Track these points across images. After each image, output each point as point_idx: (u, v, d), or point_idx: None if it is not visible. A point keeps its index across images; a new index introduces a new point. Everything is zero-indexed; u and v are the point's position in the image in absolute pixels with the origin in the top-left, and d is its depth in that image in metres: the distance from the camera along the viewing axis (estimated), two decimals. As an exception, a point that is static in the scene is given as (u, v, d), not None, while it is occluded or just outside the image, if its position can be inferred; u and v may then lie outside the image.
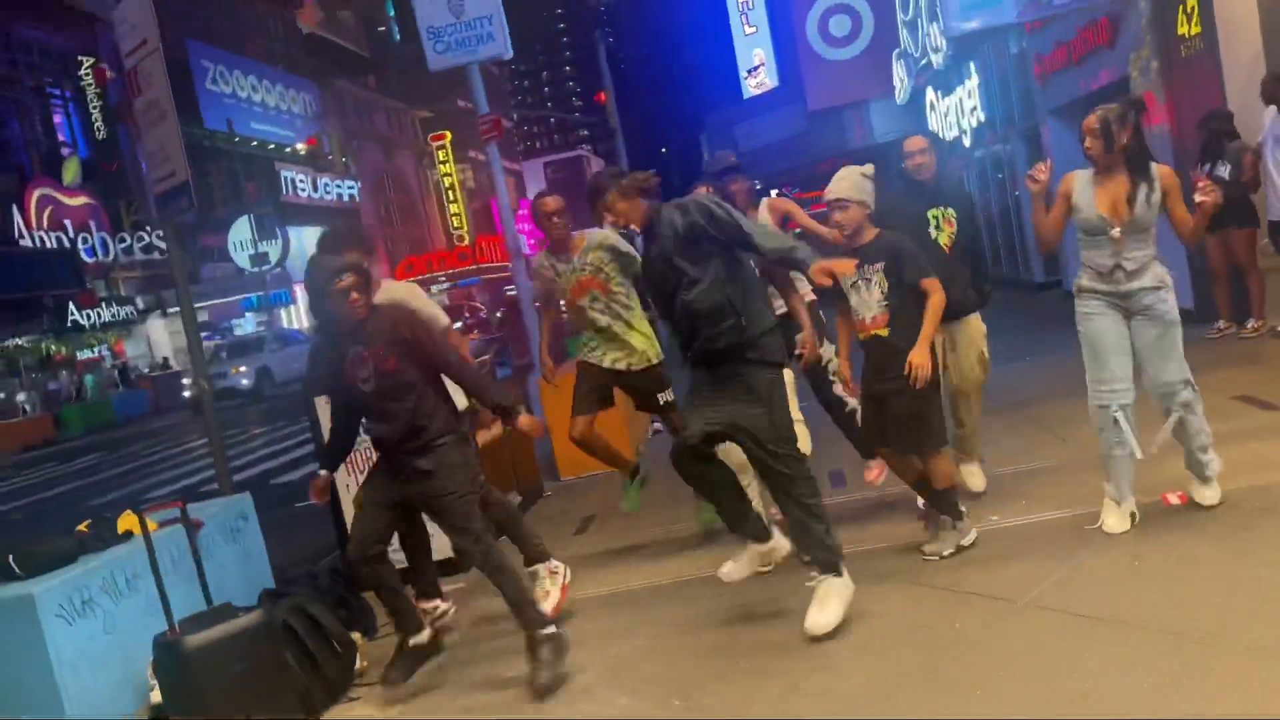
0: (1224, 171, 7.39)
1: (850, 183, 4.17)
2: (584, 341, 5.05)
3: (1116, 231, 4.00)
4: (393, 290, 4.69)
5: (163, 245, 31.96)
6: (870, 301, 4.16)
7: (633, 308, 4.92)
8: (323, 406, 5.59)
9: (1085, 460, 5.00)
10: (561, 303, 5.26)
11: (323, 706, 3.93)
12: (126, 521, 4.07)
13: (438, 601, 4.51)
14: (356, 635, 4.34)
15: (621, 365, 4.88)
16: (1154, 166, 4.05)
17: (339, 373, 3.83)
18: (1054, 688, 3.01)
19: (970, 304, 4.78)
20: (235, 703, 2.81)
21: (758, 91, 28.06)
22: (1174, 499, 4.39)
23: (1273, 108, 6.97)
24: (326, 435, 4.16)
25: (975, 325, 4.83)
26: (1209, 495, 4.23)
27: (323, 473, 4.04)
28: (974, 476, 4.98)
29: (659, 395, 4.97)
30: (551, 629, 3.78)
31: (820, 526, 3.76)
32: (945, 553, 4.23)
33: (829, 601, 3.70)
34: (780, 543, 3.95)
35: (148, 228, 31.34)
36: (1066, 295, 12.10)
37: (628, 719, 3.40)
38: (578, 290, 4.86)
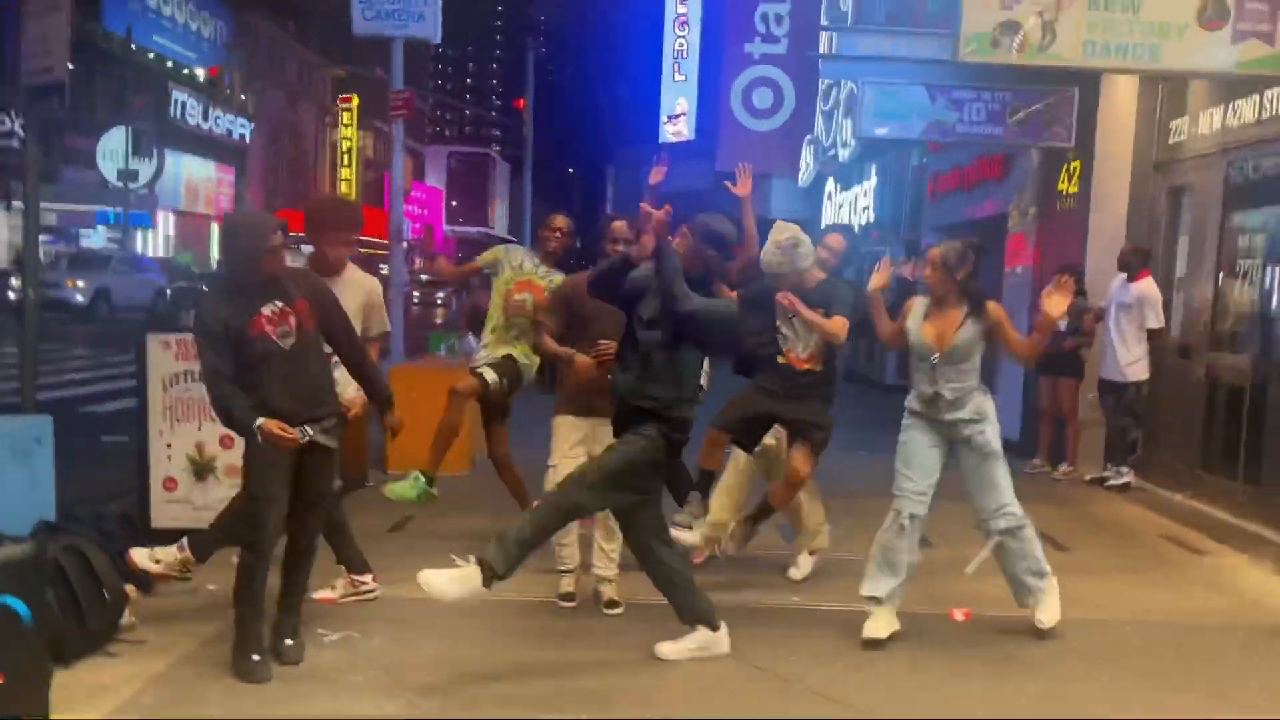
0: (1061, 325, 7.95)
1: (788, 249, 4.55)
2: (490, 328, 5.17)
3: (935, 358, 4.26)
4: (361, 279, 4.63)
5: (22, 133, 29.96)
6: (809, 340, 4.57)
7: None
8: (158, 352, 5.34)
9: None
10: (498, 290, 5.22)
11: (75, 656, 3.70)
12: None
13: (369, 577, 4.53)
14: (131, 588, 4.10)
15: (501, 353, 5.04)
16: (986, 304, 4.34)
17: (249, 324, 3.60)
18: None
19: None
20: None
21: (674, 139, 28.47)
22: (959, 615, 4.63)
23: (1123, 275, 7.54)
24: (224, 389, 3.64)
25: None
26: (1044, 617, 4.40)
27: (262, 422, 3.54)
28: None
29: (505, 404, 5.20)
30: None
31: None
32: (689, 524, 4.35)
33: None
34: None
35: (11, 113, 29.29)
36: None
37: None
38: (521, 286, 5.07)
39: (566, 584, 4.62)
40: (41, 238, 27.82)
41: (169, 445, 5.33)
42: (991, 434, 4.38)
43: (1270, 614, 4.88)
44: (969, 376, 4.33)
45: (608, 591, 4.53)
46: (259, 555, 3.70)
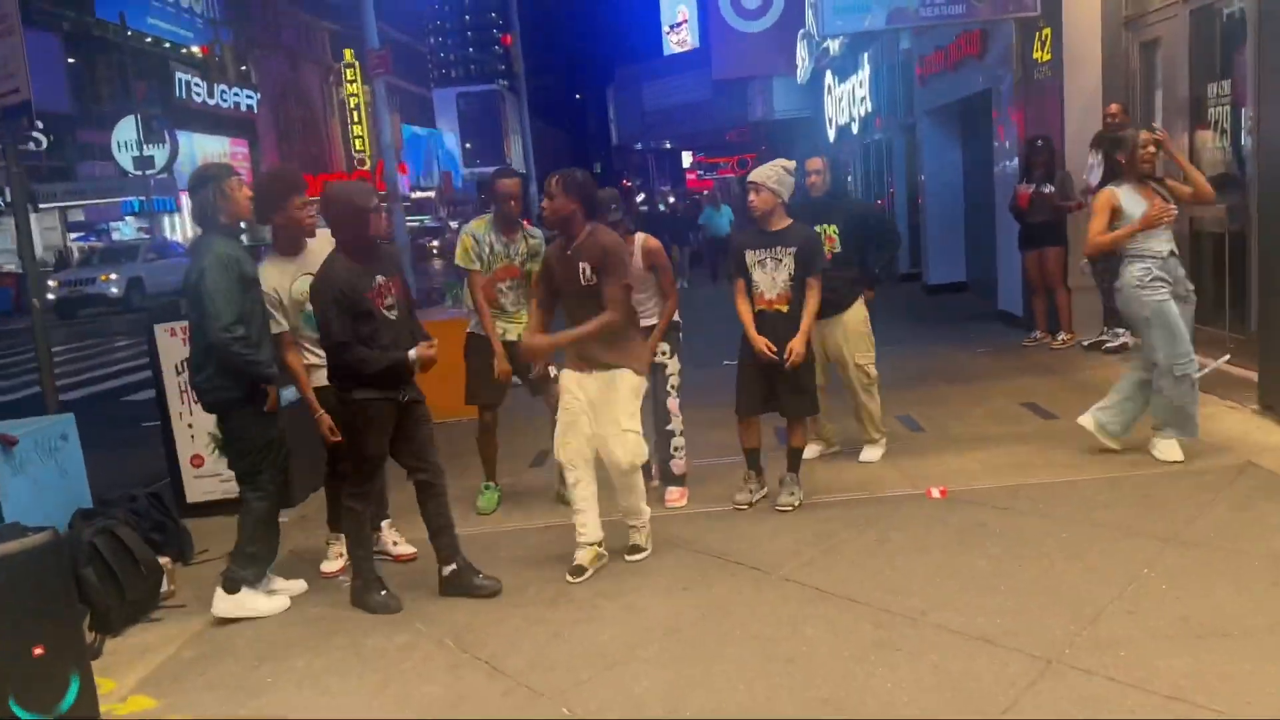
0: (1047, 190, 8.03)
1: (769, 172, 4.79)
2: (473, 314, 5.23)
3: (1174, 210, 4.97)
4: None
5: (38, 137, 30.43)
6: (777, 280, 4.77)
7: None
8: (166, 339, 5.67)
9: (893, 449, 5.64)
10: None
11: (123, 626, 4.14)
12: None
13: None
14: (165, 559, 4.51)
15: (513, 336, 5.14)
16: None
17: (366, 295, 3.91)
18: (770, 651, 3.43)
19: (844, 300, 5.34)
20: (16, 620, 3.00)
21: (679, 49, 28.12)
22: (935, 493, 4.90)
23: (1098, 154, 7.55)
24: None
25: (851, 316, 5.39)
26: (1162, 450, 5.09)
27: (420, 349, 4.02)
28: (869, 452, 5.61)
29: (549, 369, 5.16)
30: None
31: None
32: (796, 504, 4.84)
33: None
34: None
35: (25, 119, 29.72)
36: (926, 289, 12.85)
37: (405, 653, 3.71)
38: (502, 274, 5.16)
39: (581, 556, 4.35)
40: (71, 235, 28.48)
41: (190, 425, 5.73)
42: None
43: (1240, 454, 5.06)
44: None
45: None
46: (368, 503, 4.18)
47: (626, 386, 4.29)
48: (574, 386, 4.34)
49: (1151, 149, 5.06)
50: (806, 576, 4.04)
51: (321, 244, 4.50)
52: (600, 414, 4.29)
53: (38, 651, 3.01)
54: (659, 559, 4.38)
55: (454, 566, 4.19)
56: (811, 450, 5.58)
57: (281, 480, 4.25)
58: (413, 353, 4.00)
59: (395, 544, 4.80)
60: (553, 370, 5.15)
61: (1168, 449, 5.08)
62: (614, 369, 4.29)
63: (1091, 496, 4.69)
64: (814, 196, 5.46)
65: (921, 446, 5.82)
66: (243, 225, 4.41)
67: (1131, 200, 5.03)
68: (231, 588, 4.16)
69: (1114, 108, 7.62)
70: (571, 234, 4.28)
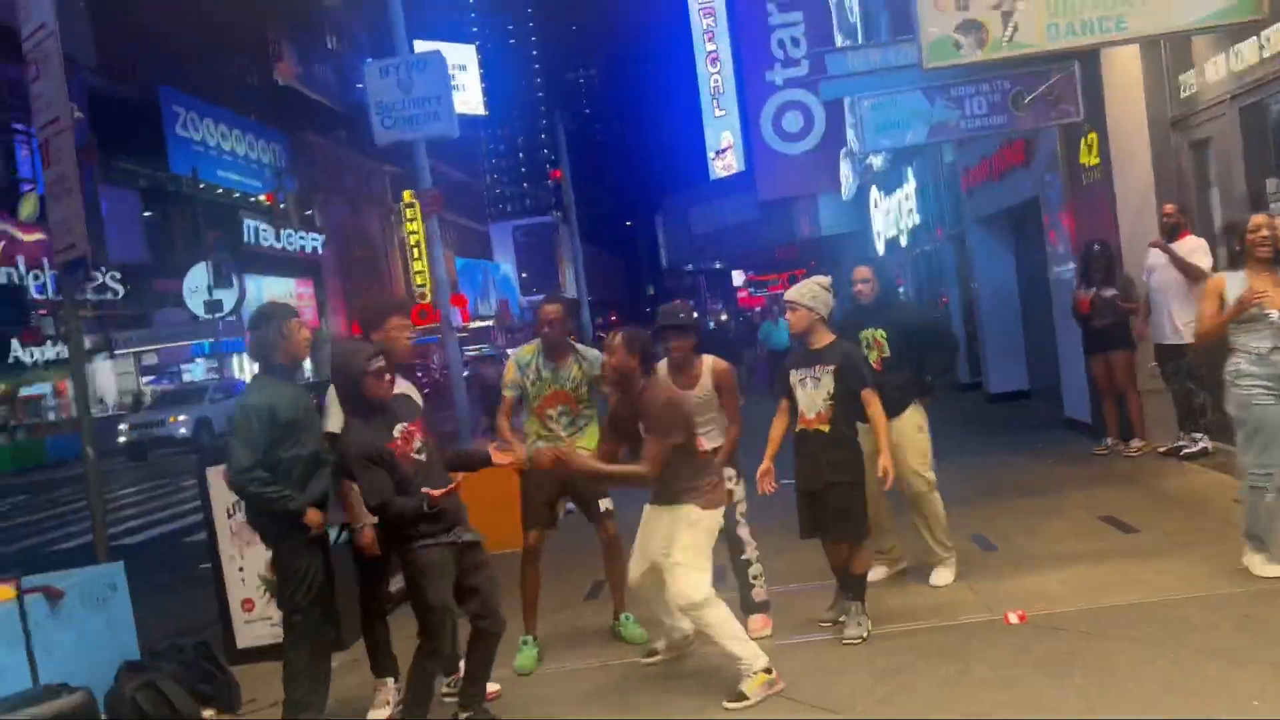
0: (1109, 294, 7.83)
1: (804, 290, 4.73)
2: (528, 440, 5.05)
3: (1275, 316, 4.62)
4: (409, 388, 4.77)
5: (115, 287, 31.86)
6: (816, 400, 4.62)
7: (592, 418, 5.11)
8: (217, 482, 5.64)
9: (965, 569, 5.33)
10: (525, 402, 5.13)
11: (164, 784, 3.98)
12: (-13, 588, 4.11)
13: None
14: (211, 712, 4.37)
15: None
16: None
17: (384, 448, 3.86)
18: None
19: (895, 406, 5.06)
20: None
21: (725, 174, 28.65)
22: (1014, 618, 4.58)
23: (1161, 254, 7.36)
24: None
25: (903, 423, 5.15)
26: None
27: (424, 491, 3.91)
28: (940, 575, 5.28)
29: (600, 501, 5.03)
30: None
31: None
32: (864, 635, 4.57)
33: None
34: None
35: (102, 268, 31.17)
36: (989, 398, 12.53)
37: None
38: (550, 400, 5.01)
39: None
40: (144, 378, 29.28)
41: (240, 569, 5.65)
42: None
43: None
44: None
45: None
46: (439, 663, 4.05)
47: (686, 521, 4.20)
48: (649, 518, 4.42)
49: (1265, 233, 4.78)
50: (881, 715, 3.76)
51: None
52: (662, 547, 4.26)
53: (67, 824, 2.86)
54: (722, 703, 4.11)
55: (470, 714, 4.05)
56: (877, 572, 5.32)
57: (328, 622, 4.12)
58: (427, 491, 3.86)
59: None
60: (604, 505, 5.03)
61: (1260, 563, 4.72)
62: (679, 505, 4.24)
63: (1186, 618, 4.34)
64: (863, 304, 5.36)
65: (995, 566, 5.50)
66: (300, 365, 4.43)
67: (1237, 287, 4.77)
68: None
69: (1169, 208, 7.45)
70: (631, 389, 4.28)
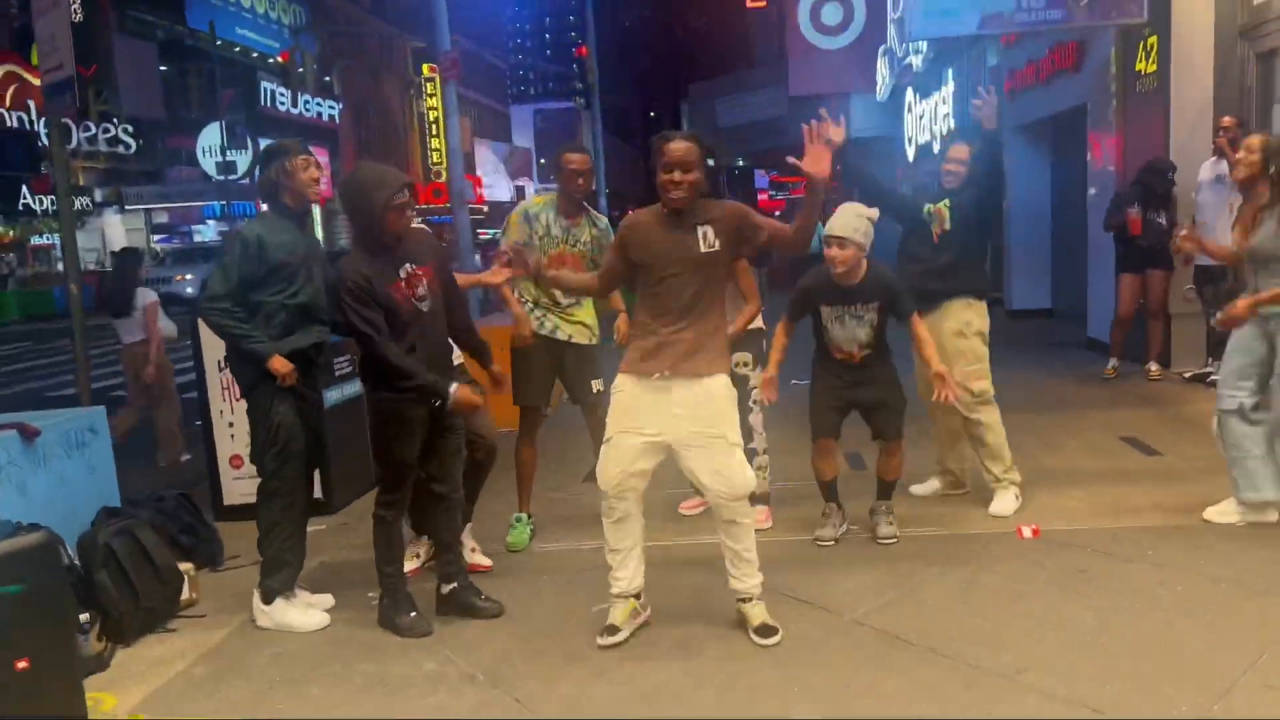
0: (1162, 219, 7.45)
1: (854, 224, 4.23)
2: (523, 302, 4.71)
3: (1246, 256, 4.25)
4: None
5: (128, 140, 31.32)
6: (860, 334, 4.34)
7: None
8: (208, 334, 5.41)
9: (979, 482, 5.05)
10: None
11: (136, 635, 3.85)
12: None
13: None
14: (188, 565, 4.23)
15: (563, 335, 4.70)
16: None
17: (393, 288, 3.59)
18: (844, 707, 3.00)
19: (947, 291, 4.68)
20: (3, 626, 2.72)
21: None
22: (1026, 531, 4.40)
23: (1212, 157, 6.97)
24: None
25: (952, 311, 4.69)
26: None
27: (456, 389, 3.65)
28: (1001, 499, 4.74)
29: (592, 382, 4.75)
30: None
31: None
32: (897, 535, 4.43)
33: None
34: None
35: (115, 119, 30.61)
36: (1009, 313, 12.22)
37: (431, 685, 3.35)
38: (556, 261, 4.55)
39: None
40: (154, 236, 29.23)
41: (230, 424, 5.49)
42: None
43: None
44: None
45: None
46: (401, 513, 3.85)
47: (726, 395, 3.50)
48: (642, 397, 3.52)
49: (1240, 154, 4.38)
50: (884, 621, 3.59)
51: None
52: (694, 430, 3.44)
53: (21, 665, 2.71)
54: (719, 594, 3.90)
55: (454, 585, 3.89)
56: (929, 486, 5.05)
57: (300, 485, 3.94)
58: (453, 388, 3.62)
59: (473, 550, 4.49)
60: (597, 386, 4.75)
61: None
62: (707, 376, 3.47)
63: (1208, 546, 4.15)
64: (947, 186, 4.72)
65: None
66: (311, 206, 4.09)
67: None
68: (266, 597, 3.90)
69: (1227, 120, 7.00)
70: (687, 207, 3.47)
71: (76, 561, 3.76)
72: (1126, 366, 7.87)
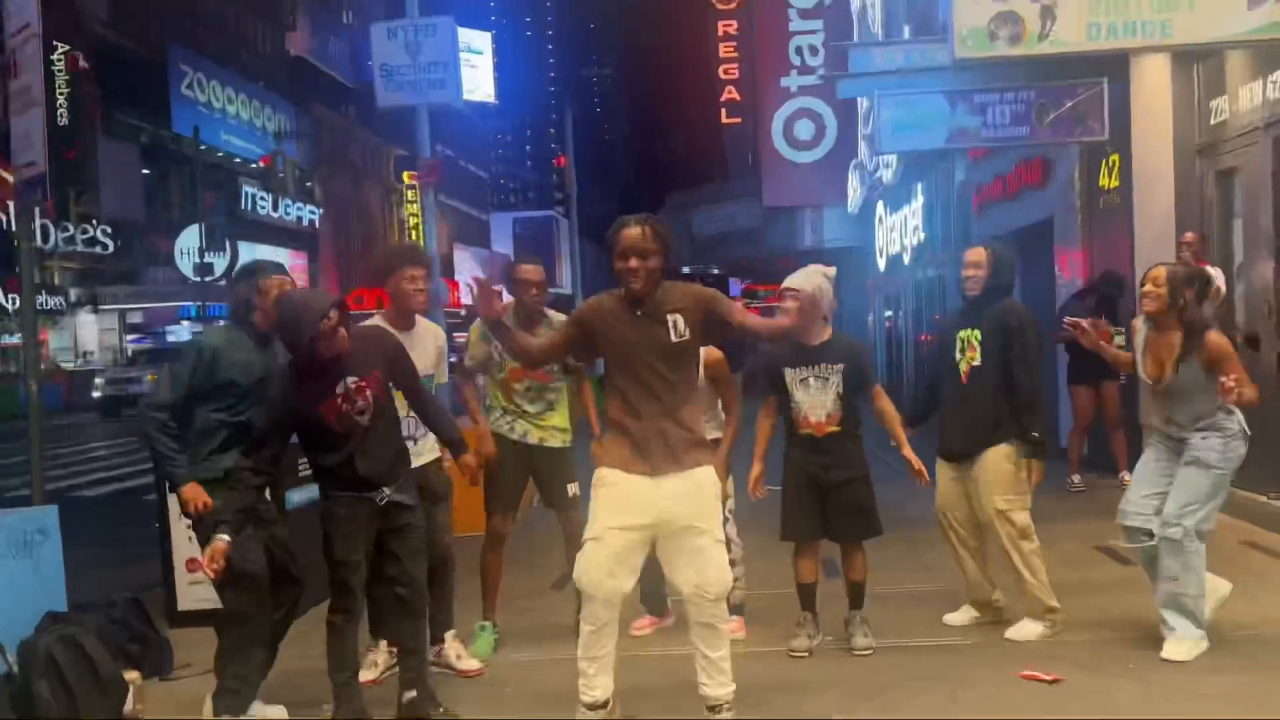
0: (1120, 339, 7.55)
1: (806, 278, 4.27)
2: (492, 408, 4.69)
3: (1158, 387, 4.11)
4: (433, 326, 4.56)
5: (105, 241, 31.46)
6: (825, 400, 4.25)
7: (561, 392, 4.75)
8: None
9: (944, 590, 4.95)
10: (489, 373, 4.70)
11: (73, 748, 3.65)
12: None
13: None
14: (135, 674, 4.04)
15: (534, 439, 4.64)
16: (1207, 336, 4.01)
17: (326, 408, 3.54)
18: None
19: (986, 440, 4.37)
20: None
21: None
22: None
23: None
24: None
25: (993, 461, 4.36)
26: (1170, 650, 4.04)
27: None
28: (1026, 626, 4.41)
29: (567, 485, 4.68)
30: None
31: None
32: (873, 645, 4.28)
33: None
34: None
35: (94, 220, 30.81)
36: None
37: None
38: (519, 373, 4.53)
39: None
40: (128, 336, 29.08)
41: (188, 526, 5.31)
42: (1211, 444, 4.04)
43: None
44: (1204, 404, 4.02)
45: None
46: (351, 619, 3.69)
47: (713, 490, 3.43)
48: (632, 490, 3.37)
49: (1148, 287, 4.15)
50: (859, 736, 3.46)
51: (431, 332, 4.49)
52: (684, 525, 3.35)
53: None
54: (687, 712, 3.78)
55: (413, 694, 3.71)
56: (963, 616, 4.66)
57: (264, 599, 3.78)
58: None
59: (459, 657, 4.36)
60: (572, 490, 4.67)
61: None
62: (696, 468, 3.39)
63: (1191, 659, 4.05)
64: (968, 294, 4.46)
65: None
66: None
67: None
68: (215, 710, 3.74)
69: (1189, 236, 7.17)
70: (649, 294, 3.41)
71: (15, 669, 3.57)
72: (1097, 477, 7.87)
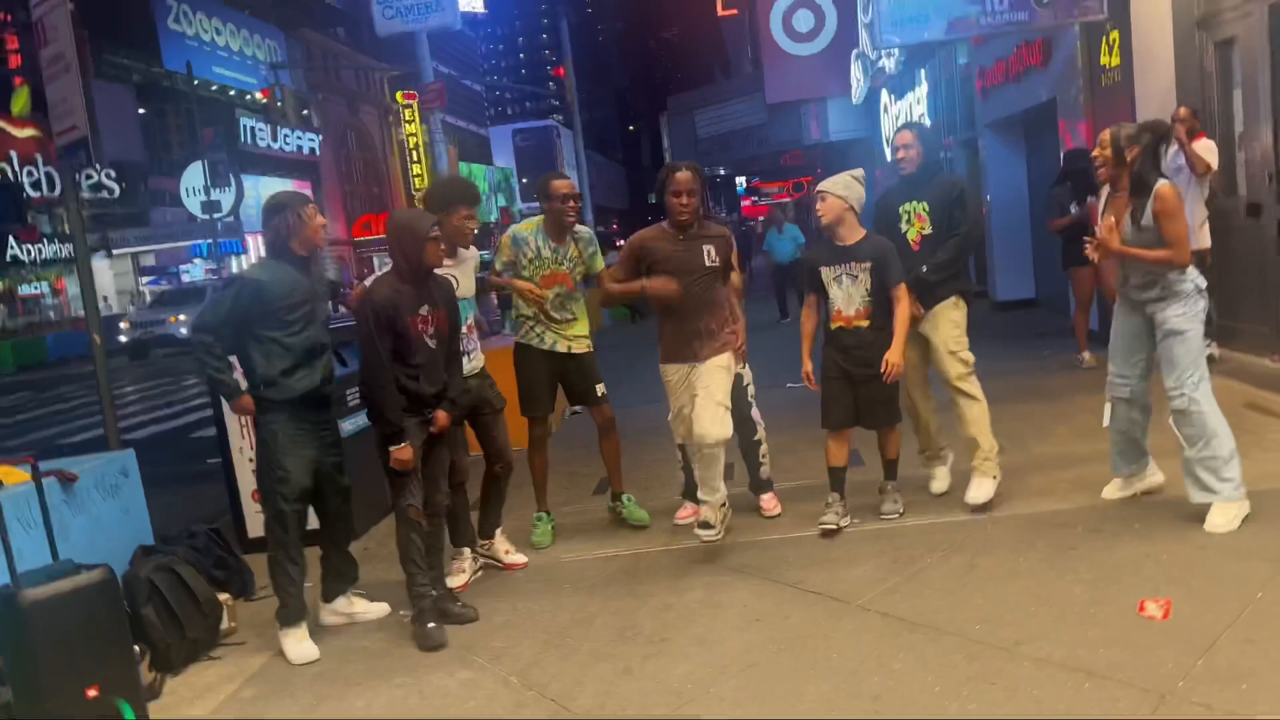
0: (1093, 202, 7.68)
1: (838, 180, 4.66)
2: (521, 321, 5.09)
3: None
4: (474, 253, 4.87)
5: (111, 185, 31.43)
6: (855, 296, 4.63)
7: (581, 301, 5.13)
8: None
9: (957, 469, 5.25)
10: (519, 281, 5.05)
11: (182, 664, 4.06)
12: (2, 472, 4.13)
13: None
14: (226, 596, 4.43)
15: (562, 348, 5.04)
16: (1156, 189, 4.11)
17: (410, 321, 3.96)
18: (855, 687, 3.22)
19: (935, 292, 4.82)
20: (70, 659, 2.92)
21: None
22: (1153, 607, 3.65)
23: (1174, 146, 7.20)
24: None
25: (943, 314, 4.83)
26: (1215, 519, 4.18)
27: (394, 451, 3.99)
28: (978, 486, 4.83)
29: (596, 386, 5.09)
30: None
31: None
32: (901, 510, 4.79)
33: None
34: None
35: (97, 165, 30.73)
36: (994, 306, 12.47)
37: (467, 691, 3.56)
38: (549, 280, 4.96)
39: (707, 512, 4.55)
40: (143, 279, 29.26)
41: (251, 460, 5.66)
42: (1174, 311, 4.24)
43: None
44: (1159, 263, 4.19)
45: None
46: (409, 522, 4.06)
47: (721, 364, 4.57)
48: (676, 379, 4.71)
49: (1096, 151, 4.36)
50: (889, 605, 3.81)
51: (473, 256, 4.83)
52: (701, 387, 4.52)
53: (92, 693, 2.92)
54: (730, 590, 4.17)
55: (434, 593, 4.15)
56: (941, 481, 5.16)
57: (292, 519, 4.12)
58: (396, 448, 3.97)
59: (507, 552, 4.82)
60: (600, 389, 5.13)
61: None
62: (720, 354, 4.62)
63: (1191, 515, 4.37)
64: (904, 173, 4.93)
65: (1005, 465, 5.51)
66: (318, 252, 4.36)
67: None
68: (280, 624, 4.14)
69: (1183, 111, 7.24)
70: (692, 224, 4.60)
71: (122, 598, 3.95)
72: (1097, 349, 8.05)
